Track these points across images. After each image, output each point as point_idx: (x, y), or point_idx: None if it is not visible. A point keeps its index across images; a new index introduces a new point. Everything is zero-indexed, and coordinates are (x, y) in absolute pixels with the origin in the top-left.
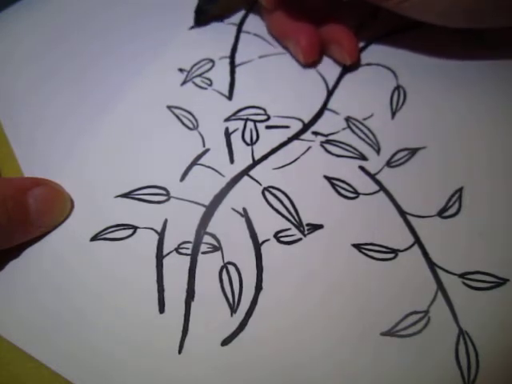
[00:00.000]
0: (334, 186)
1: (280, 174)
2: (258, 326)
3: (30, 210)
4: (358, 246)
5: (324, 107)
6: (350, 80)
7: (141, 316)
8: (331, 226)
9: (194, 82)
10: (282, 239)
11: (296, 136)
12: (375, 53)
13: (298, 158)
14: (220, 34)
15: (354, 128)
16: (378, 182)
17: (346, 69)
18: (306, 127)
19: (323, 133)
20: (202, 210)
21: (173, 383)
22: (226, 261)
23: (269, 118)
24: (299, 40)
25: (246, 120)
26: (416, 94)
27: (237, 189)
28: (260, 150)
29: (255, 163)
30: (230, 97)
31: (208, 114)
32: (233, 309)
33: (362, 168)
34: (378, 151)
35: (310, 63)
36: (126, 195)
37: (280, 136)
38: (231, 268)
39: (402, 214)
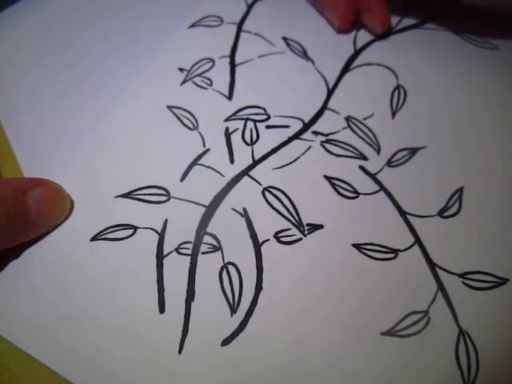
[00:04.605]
0: (334, 185)
1: (280, 173)
2: (257, 326)
3: (30, 211)
4: (358, 246)
5: (324, 107)
6: (350, 80)
7: (141, 316)
8: (331, 226)
9: (193, 82)
10: (282, 239)
11: (296, 136)
12: (375, 53)
13: (298, 157)
14: (220, 33)
15: (354, 127)
16: (378, 182)
17: (346, 68)
18: (306, 127)
19: (323, 132)
20: (202, 210)
21: (173, 383)
22: (226, 261)
23: (269, 117)
24: (337, 7)
25: (246, 120)
26: (416, 94)
27: (237, 189)
28: (260, 149)
29: (255, 163)
30: (229, 96)
31: (208, 113)
32: (233, 309)
33: (362, 168)
34: (378, 151)
35: (344, 31)
36: (126, 195)
37: (280, 136)
38: (231, 268)
39: (402, 213)
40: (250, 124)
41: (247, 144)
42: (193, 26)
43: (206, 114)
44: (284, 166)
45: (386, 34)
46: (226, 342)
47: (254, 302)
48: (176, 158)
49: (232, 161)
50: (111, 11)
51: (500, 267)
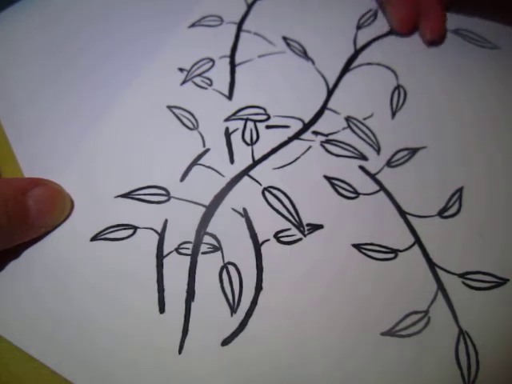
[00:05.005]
0: (333, 185)
1: (280, 173)
2: (257, 326)
3: (30, 211)
4: (357, 246)
5: (324, 107)
6: (350, 80)
7: (141, 316)
8: (331, 226)
9: (193, 82)
10: (282, 239)
11: (296, 136)
12: (375, 53)
13: (298, 157)
14: (220, 32)
15: (354, 128)
16: (378, 182)
17: (346, 68)
18: (306, 127)
19: (323, 132)
20: (202, 210)
21: (173, 383)
22: (226, 261)
23: (269, 117)
24: (398, 9)
25: (246, 120)
26: (416, 93)
27: (237, 189)
28: (260, 149)
29: (255, 163)
30: (229, 96)
31: (208, 113)
32: (233, 309)
33: (362, 168)
34: (378, 151)
35: (403, 33)
36: (126, 195)
37: (280, 136)
38: (231, 268)
39: (402, 214)
40: (250, 124)
41: (247, 144)
42: (193, 25)
43: (206, 114)
44: (284, 166)
45: (434, 43)
46: (226, 342)
47: (254, 302)
48: (176, 158)
49: (232, 161)
50: (111, 11)
51: (500, 267)
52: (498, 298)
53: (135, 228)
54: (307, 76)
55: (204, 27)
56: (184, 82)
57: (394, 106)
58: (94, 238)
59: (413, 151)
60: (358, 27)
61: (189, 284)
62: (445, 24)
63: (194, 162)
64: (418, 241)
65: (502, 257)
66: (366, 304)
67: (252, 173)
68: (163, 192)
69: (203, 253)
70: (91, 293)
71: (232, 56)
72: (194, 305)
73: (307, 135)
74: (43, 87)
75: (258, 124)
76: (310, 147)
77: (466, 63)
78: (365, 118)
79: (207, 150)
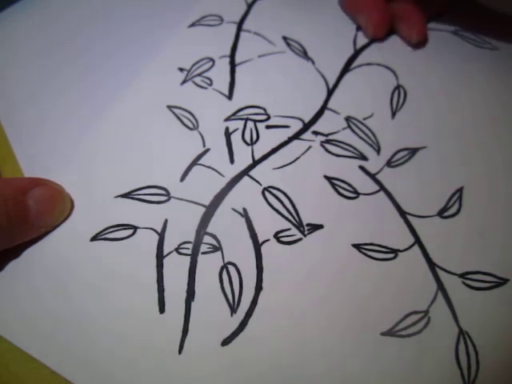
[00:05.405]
0: (334, 185)
1: (280, 173)
2: (257, 326)
3: (31, 211)
4: (357, 246)
5: (324, 107)
6: (350, 80)
7: (141, 316)
8: (331, 226)
9: (193, 82)
10: (282, 239)
11: (296, 136)
12: (375, 53)
13: (298, 157)
14: (220, 32)
15: (354, 128)
16: (378, 182)
17: (346, 68)
18: (306, 127)
19: (323, 132)
20: (202, 210)
21: (173, 383)
22: (226, 261)
23: (269, 117)
24: (371, 14)
25: (246, 120)
26: (416, 94)
27: (237, 189)
28: (260, 149)
29: (255, 163)
30: (230, 96)
31: (208, 113)
32: (233, 309)
33: (362, 168)
34: (378, 151)
35: (379, 38)
36: (126, 195)
37: (280, 136)
38: (231, 268)
39: (402, 214)
40: (250, 124)
41: (247, 144)
42: (193, 25)
43: (206, 114)
44: (284, 166)
45: (420, 43)
46: (226, 342)
47: (254, 302)
48: (176, 157)
49: (232, 161)
50: (111, 11)
51: (500, 267)
52: (498, 297)
53: (135, 228)
54: (307, 76)
55: (204, 27)
56: (184, 81)
57: (394, 105)
58: (93, 238)
59: (413, 151)
60: (358, 27)
61: (189, 284)
62: (426, 24)
63: (194, 162)
64: (418, 241)
65: (502, 257)
66: (366, 304)
67: (252, 173)
68: (163, 192)
69: (203, 253)
70: (91, 293)
71: (232, 56)
72: (193, 305)
73: (307, 135)
74: (43, 87)
75: (258, 124)
76: (310, 147)
77: (466, 63)
78: (365, 118)
79: (207, 150)
